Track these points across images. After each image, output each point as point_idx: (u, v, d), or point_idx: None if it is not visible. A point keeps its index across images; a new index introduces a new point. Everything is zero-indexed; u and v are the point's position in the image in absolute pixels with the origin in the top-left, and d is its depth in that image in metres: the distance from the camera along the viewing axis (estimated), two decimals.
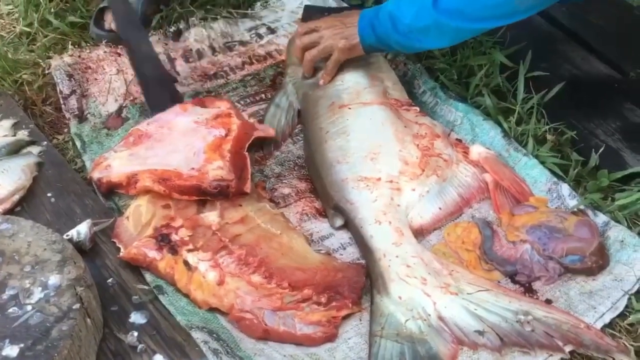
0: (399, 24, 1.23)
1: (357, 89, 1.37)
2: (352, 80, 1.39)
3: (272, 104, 1.45)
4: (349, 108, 1.33)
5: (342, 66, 1.40)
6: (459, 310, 1.03)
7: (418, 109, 1.36)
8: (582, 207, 1.18)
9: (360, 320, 1.07)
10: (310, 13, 1.60)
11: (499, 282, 1.11)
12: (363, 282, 1.09)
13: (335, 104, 1.35)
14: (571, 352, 0.99)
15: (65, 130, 1.43)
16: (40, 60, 1.56)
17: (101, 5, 1.65)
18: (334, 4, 1.71)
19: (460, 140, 1.33)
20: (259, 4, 1.76)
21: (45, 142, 1.35)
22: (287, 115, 1.43)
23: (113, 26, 1.59)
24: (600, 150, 1.26)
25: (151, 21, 1.67)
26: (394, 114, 1.31)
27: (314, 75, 1.43)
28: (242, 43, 1.67)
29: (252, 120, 1.37)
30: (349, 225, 1.20)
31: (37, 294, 0.96)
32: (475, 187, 1.25)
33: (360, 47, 1.32)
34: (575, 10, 1.56)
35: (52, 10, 1.67)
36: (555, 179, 1.23)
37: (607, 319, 1.03)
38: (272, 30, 1.69)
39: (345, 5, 1.71)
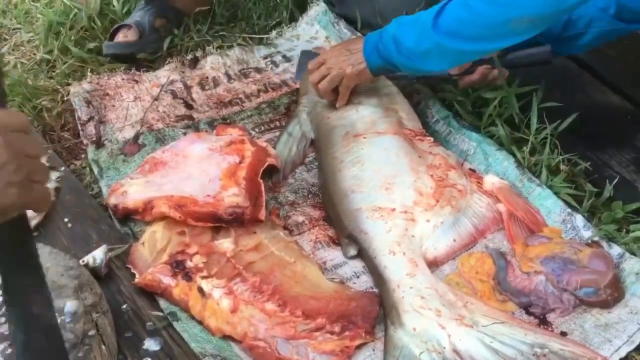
0: (402, 47, 1.25)
1: (372, 119, 1.38)
2: (366, 110, 1.41)
3: (284, 132, 1.47)
4: (364, 137, 1.35)
5: (357, 96, 1.42)
6: (474, 343, 1.03)
7: (432, 139, 1.37)
8: (596, 238, 1.18)
9: (374, 350, 1.06)
10: (306, 57, 1.63)
11: (513, 313, 1.11)
12: (376, 311, 1.09)
13: (349, 134, 1.36)
14: None
15: (83, 156, 1.45)
16: (59, 87, 1.59)
17: (117, 25, 1.69)
18: (348, 34, 1.74)
19: (473, 171, 1.34)
20: (274, 32, 1.79)
21: (63, 168, 1.38)
22: (299, 144, 1.44)
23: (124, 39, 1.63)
24: (614, 182, 1.26)
25: (161, 37, 1.69)
26: (408, 144, 1.32)
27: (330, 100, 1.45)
28: (258, 70, 1.69)
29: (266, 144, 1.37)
30: (363, 254, 1.20)
31: None
32: (490, 218, 1.25)
33: (367, 71, 1.35)
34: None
35: (72, 38, 1.71)
36: (569, 210, 1.23)
37: (623, 352, 1.03)
38: (287, 59, 1.72)
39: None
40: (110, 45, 1.65)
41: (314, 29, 1.77)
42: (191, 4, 1.74)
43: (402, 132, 1.35)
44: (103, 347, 0.97)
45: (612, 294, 1.09)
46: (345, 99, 1.42)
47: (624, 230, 1.20)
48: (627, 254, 1.15)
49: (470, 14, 1.16)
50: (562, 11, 1.17)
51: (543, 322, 1.09)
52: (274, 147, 1.43)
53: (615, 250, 1.16)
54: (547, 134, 1.34)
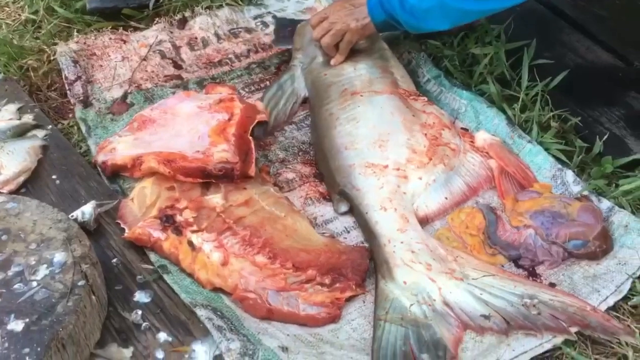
0: (405, 3, 1.24)
1: (370, 78, 1.38)
2: (364, 69, 1.40)
3: (275, 83, 1.46)
4: (361, 95, 1.34)
5: (353, 56, 1.41)
6: (465, 295, 1.03)
7: (426, 98, 1.36)
8: (586, 193, 1.19)
9: (364, 302, 1.07)
10: (281, 25, 1.63)
11: (502, 266, 1.12)
12: (367, 265, 1.09)
13: (347, 91, 1.36)
14: (575, 334, 0.99)
15: (70, 115, 1.43)
16: (46, 47, 1.57)
17: None
18: None
19: (466, 130, 1.34)
20: None
21: (50, 126, 1.36)
22: (288, 101, 1.43)
23: None
24: (604, 138, 1.26)
25: None
26: (403, 104, 1.32)
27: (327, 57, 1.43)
28: (248, 30, 1.67)
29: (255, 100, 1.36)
30: (354, 211, 1.20)
31: (43, 271, 0.96)
32: (483, 176, 1.25)
33: (372, 25, 1.34)
34: (579, 1, 1.57)
35: None
36: (559, 166, 1.23)
37: (610, 302, 1.04)
38: None
39: None
40: (93, 0, 1.63)
41: None
42: None
43: (397, 91, 1.35)
44: (93, 297, 0.96)
45: (601, 246, 1.10)
46: (345, 55, 1.40)
47: (614, 184, 1.21)
48: (617, 207, 1.15)
49: None
50: None
51: (532, 274, 1.10)
52: (262, 98, 1.42)
53: (605, 204, 1.16)
54: (537, 91, 1.33)
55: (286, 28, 1.63)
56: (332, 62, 1.41)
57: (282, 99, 1.44)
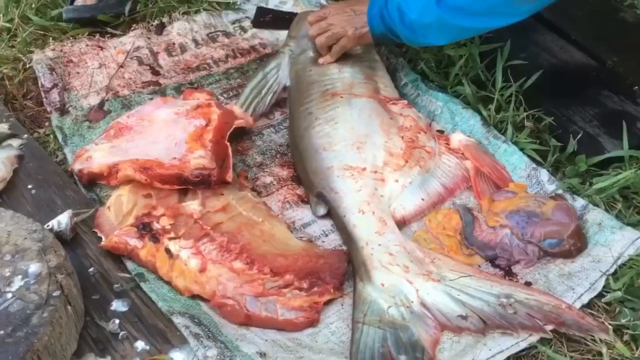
0: (405, 17, 1.24)
1: (352, 81, 1.38)
2: (348, 72, 1.40)
3: (261, 70, 1.46)
4: (341, 97, 1.34)
5: (343, 58, 1.41)
6: (442, 296, 1.04)
7: (406, 101, 1.36)
8: (560, 191, 1.20)
9: (342, 305, 1.07)
10: (263, 11, 1.65)
11: (479, 266, 1.13)
12: (345, 268, 1.10)
13: (328, 91, 1.36)
14: (551, 332, 1.00)
15: (47, 124, 1.42)
16: (21, 55, 1.56)
17: None
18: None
19: (442, 132, 1.34)
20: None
21: (26, 135, 1.35)
22: (270, 89, 1.43)
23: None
24: (578, 136, 1.27)
25: (122, 1, 1.66)
26: (381, 107, 1.33)
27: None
28: (226, 34, 1.67)
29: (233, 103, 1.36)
30: (332, 213, 1.21)
31: (17, 282, 0.96)
32: (459, 177, 1.26)
33: (369, 35, 1.34)
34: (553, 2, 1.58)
35: (34, 5, 1.67)
36: (534, 165, 1.25)
37: (585, 299, 1.05)
38: None
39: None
40: (69, 10, 1.63)
41: None
42: None
43: (377, 97, 1.35)
44: (69, 307, 0.96)
45: (575, 244, 1.11)
46: (335, 57, 1.40)
47: (588, 183, 1.22)
48: (591, 206, 1.17)
49: None
50: None
51: (508, 273, 1.11)
52: (245, 87, 1.43)
53: (579, 202, 1.18)
54: (512, 92, 1.35)
55: (267, 15, 1.64)
56: (321, 60, 1.41)
57: (265, 87, 1.44)
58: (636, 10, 1.64)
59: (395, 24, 1.27)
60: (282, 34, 1.66)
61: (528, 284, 1.09)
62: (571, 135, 1.28)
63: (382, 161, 1.24)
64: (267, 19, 1.62)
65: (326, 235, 1.20)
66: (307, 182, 1.26)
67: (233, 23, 1.70)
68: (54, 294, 0.94)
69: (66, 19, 1.63)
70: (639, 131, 1.30)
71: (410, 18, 1.24)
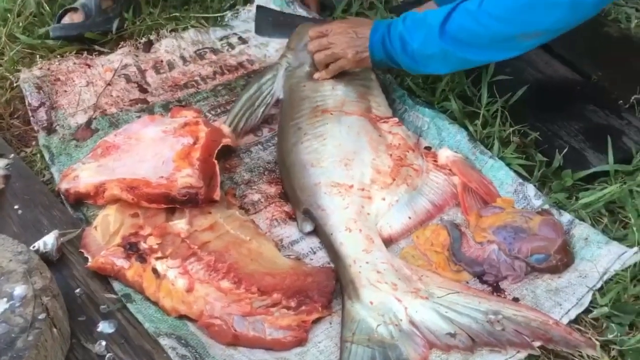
0: (407, 47, 1.25)
1: (344, 99, 1.38)
2: (342, 89, 1.40)
3: (255, 82, 1.46)
4: (331, 114, 1.34)
5: (338, 76, 1.41)
6: (430, 314, 1.04)
7: (396, 119, 1.36)
8: (547, 206, 1.21)
9: (331, 323, 1.07)
10: (263, 14, 1.64)
11: (467, 282, 1.13)
12: (333, 286, 1.10)
13: (319, 108, 1.36)
14: (539, 348, 1.00)
15: (33, 143, 1.42)
16: (8, 74, 1.55)
17: (63, 9, 1.66)
18: (303, 13, 1.73)
19: (429, 148, 1.35)
20: (229, 14, 1.77)
21: (13, 155, 1.35)
22: (263, 102, 1.43)
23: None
24: (564, 151, 1.28)
25: (110, 18, 1.67)
26: (371, 125, 1.33)
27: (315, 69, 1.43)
28: (214, 51, 1.67)
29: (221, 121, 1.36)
30: (319, 231, 1.20)
31: (2, 305, 0.95)
32: (448, 193, 1.26)
33: (369, 60, 1.33)
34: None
35: (21, 24, 1.67)
36: (520, 180, 1.25)
37: (572, 314, 1.05)
38: (243, 40, 1.70)
39: (299, 14, 1.72)
40: (56, 28, 1.63)
41: None
42: None
43: (368, 115, 1.35)
44: (54, 330, 0.95)
45: (562, 259, 1.12)
46: (331, 75, 1.40)
47: (574, 197, 1.23)
48: (577, 221, 1.17)
49: (478, 26, 1.17)
50: (572, 27, 1.17)
51: (496, 289, 1.11)
52: (238, 99, 1.44)
53: (566, 217, 1.18)
54: (498, 107, 1.36)
55: (268, 18, 1.63)
56: (316, 75, 1.41)
57: (259, 99, 1.44)
58: (620, 25, 1.67)
59: (396, 53, 1.27)
60: (271, 49, 1.67)
61: (516, 299, 1.09)
62: (557, 149, 1.29)
63: (370, 179, 1.24)
64: (269, 22, 1.59)
65: (314, 253, 1.20)
66: (294, 198, 1.26)
67: (221, 39, 1.71)
68: (39, 317, 0.94)
69: (53, 36, 1.63)
70: (624, 145, 1.31)
71: (412, 47, 1.24)
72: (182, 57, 1.65)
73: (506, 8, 1.15)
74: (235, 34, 1.73)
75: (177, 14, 1.73)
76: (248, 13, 1.78)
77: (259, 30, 1.62)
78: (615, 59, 1.52)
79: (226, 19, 1.75)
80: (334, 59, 1.37)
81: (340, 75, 1.41)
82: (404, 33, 1.25)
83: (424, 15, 1.25)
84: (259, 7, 1.68)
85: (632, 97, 1.40)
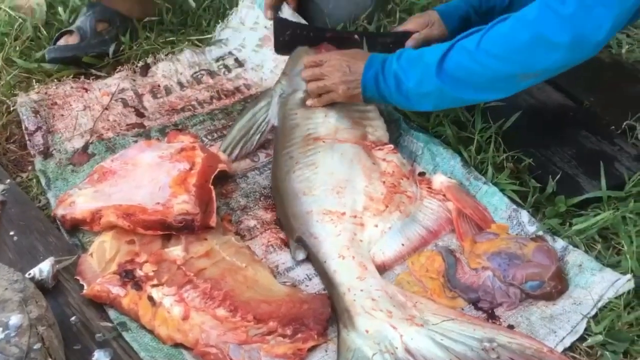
0: (402, 86, 1.25)
1: (337, 127, 1.38)
2: (334, 117, 1.39)
3: (249, 111, 1.46)
4: (323, 142, 1.35)
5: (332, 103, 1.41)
6: (426, 342, 1.04)
7: (392, 146, 1.36)
8: (541, 233, 1.21)
9: (326, 351, 1.07)
10: (281, 27, 1.56)
11: (462, 309, 1.13)
12: (328, 313, 1.10)
13: (310, 136, 1.37)
14: None
15: (30, 168, 1.42)
16: (5, 99, 1.56)
17: (59, 32, 1.68)
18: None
19: (423, 174, 1.36)
20: (219, 27, 1.77)
21: (9, 180, 1.35)
22: (258, 129, 1.44)
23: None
24: (557, 177, 1.29)
25: (106, 41, 1.68)
26: (364, 152, 1.33)
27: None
28: (210, 73, 1.68)
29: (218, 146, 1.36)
30: (312, 258, 1.20)
31: None
32: (444, 219, 1.27)
33: (360, 97, 1.33)
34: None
35: (18, 48, 1.68)
36: (514, 206, 1.26)
37: (567, 342, 1.05)
38: (240, 63, 1.71)
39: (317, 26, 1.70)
40: (52, 50, 1.64)
41: (255, 13, 1.74)
42: (132, 6, 1.73)
43: (363, 142, 1.35)
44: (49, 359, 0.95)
45: (556, 286, 1.12)
46: (322, 105, 1.40)
47: (567, 223, 1.23)
48: (571, 247, 1.18)
49: (476, 66, 1.17)
50: (571, 67, 1.17)
51: (491, 316, 1.12)
52: (232, 127, 1.44)
53: (559, 243, 1.19)
54: (492, 133, 1.37)
55: (286, 31, 1.56)
56: (308, 102, 1.41)
57: (253, 127, 1.44)
58: (611, 51, 1.69)
59: (390, 92, 1.27)
60: (267, 71, 1.67)
61: (511, 327, 1.09)
62: (550, 175, 1.30)
63: (362, 206, 1.24)
64: (287, 37, 1.53)
65: (310, 279, 1.20)
66: (288, 226, 1.26)
67: (217, 61, 1.72)
68: (35, 347, 0.93)
69: (49, 59, 1.64)
70: (616, 171, 1.33)
71: (407, 86, 1.24)
72: (179, 83, 1.66)
73: (505, 47, 1.14)
74: (231, 53, 1.72)
75: (173, 37, 1.74)
76: (235, 17, 1.75)
77: (278, 49, 1.57)
78: (607, 84, 1.53)
79: (217, 33, 1.75)
80: (325, 92, 1.38)
81: (334, 103, 1.41)
82: (398, 72, 1.25)
83: (420, 53, 1.26)
84: (277, 21, 1.60)
85: (624, 123, 1.42)
